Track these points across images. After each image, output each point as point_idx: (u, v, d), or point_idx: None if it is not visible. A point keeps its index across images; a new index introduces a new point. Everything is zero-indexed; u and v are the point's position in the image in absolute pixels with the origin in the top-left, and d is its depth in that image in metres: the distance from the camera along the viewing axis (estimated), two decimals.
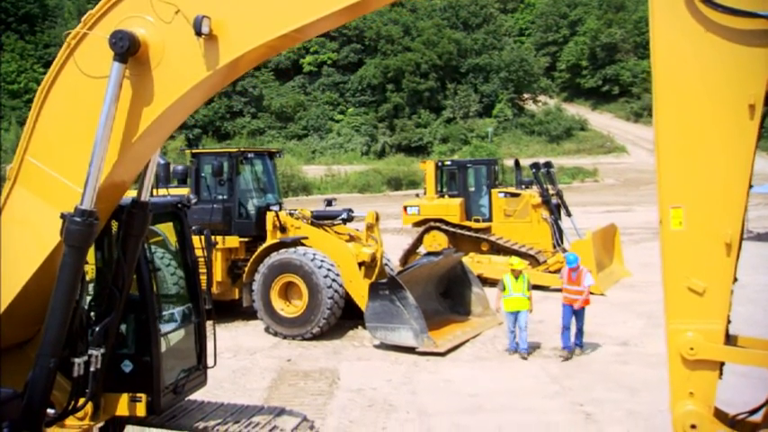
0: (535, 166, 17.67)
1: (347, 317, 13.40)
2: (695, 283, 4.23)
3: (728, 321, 4.41)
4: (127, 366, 6.14)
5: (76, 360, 5.46)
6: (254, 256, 13.40)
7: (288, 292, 13.16)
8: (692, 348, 4.30)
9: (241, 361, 11.76)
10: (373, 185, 50.85)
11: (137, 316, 6.13)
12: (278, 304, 13.04)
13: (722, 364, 4.45)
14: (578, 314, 11.75)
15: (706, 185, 4.16)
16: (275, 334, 13.12)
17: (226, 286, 13.87)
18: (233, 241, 13.76)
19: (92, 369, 5.54)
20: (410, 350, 11.93)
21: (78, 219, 4.91)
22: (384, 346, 12.31)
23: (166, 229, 7.37)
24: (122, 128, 5.08)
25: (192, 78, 4.96)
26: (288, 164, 48.08)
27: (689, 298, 4.27)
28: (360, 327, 13.25)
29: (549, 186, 17.69)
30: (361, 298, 12.82)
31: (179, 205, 6.71)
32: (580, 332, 11.84)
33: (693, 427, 4.40)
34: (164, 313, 6.53)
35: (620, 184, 52.46)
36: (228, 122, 61.59)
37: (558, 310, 12.14)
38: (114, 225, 5.73)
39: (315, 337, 12.83)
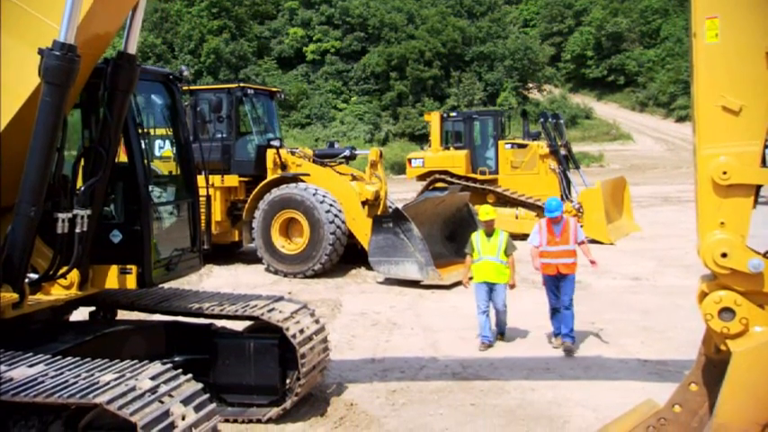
0: (543, 116, 17.26)
1: (349, 260, 13.07)
2: (730, 101, 3.90)
3: (766, 146, 4.07)
4: (116, 236, 5.81)
5: (60, 215, 5.14)
6: (254, 193, 13.03)
7: (289, 229, 12.82)
8: (724, 173, 3.95)
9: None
10: None
11: (125, 183, 5.80)
12: (279, 241, 12.69)
13: (758, 189, 4.11)
14: (565, 285, 7.95)
15: None
16: (276, 272, 12.77)
17: (225, 227, 13.48)
18: (232, 180, 13.35)
19: (77, 231, 5.23)
20: (415, 285, 11.59)
21: (57, 53, 4.59)
22: (388, 282, 11.97)
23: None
24: None
25: None
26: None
27: (723, 118, 3.94)
28: (362, 266, 12.91)
29: (557, 137, 17.27)
30: (363, 236, 12.47)
31: (171, 77, 6.37)
32: (569, 310, 7.96)
33: (724, 255, 4.04)
34: (155, 188, 6.18)
35: (625, 169, 51.87)
36: None
37: None
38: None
39: (316, 275, 12.50)
